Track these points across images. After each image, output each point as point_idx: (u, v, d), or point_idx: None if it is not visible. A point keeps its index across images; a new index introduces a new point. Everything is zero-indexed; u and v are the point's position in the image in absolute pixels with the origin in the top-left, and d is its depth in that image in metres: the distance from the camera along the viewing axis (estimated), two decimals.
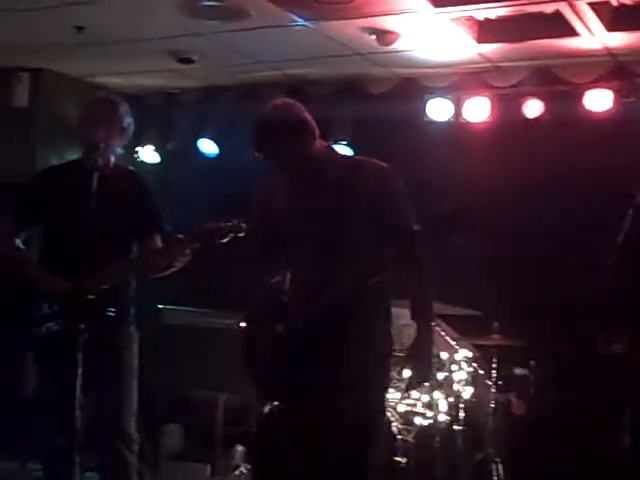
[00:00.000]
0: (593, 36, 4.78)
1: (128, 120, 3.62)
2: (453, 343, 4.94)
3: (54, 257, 3.55)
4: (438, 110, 5.66)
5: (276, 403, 3.01)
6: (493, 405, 4.96)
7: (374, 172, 3.07)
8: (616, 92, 5.25)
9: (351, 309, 2.91)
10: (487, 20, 4.80)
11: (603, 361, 5.20)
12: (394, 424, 4.55)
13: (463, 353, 4.92)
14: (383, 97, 5.81)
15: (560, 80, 5.36)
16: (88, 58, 5.65)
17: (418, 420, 4.67)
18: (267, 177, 3.17)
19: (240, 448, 5.29)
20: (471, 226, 2.78)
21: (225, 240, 3.40)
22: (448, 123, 5.69)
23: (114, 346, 3.53)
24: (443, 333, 4.93)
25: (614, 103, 5.25)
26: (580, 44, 4.89)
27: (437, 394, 4.75)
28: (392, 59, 5.39)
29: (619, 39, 4.82)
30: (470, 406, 4.87)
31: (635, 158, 4.82)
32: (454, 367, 4.86)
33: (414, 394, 4.70)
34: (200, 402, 5.50)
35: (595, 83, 5.26)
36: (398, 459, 4.50)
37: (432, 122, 5.70)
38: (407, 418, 4.65)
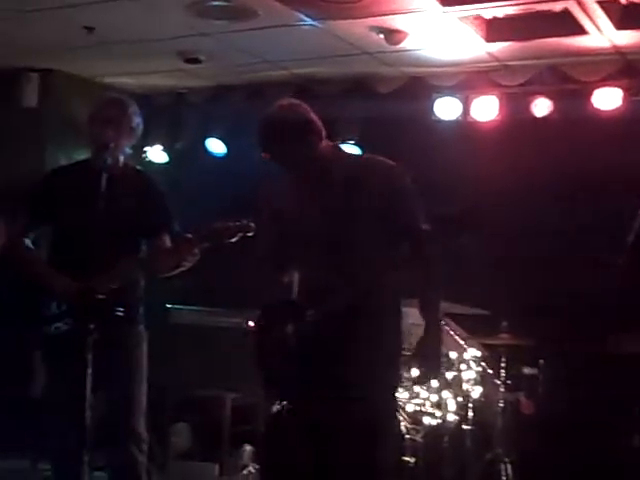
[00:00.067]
0: (602, 34, 4.76)
1: (137, 120, 3.63)
2: (462, 342, 4.93)
3: (63, 257, 3.56)
4: (446, 109, 5.65)
5: (285, 403, 3.01)
6: (502, 405, 4.95)
7: (382, 170, 3.07)
8: (625, 90, 5.23)
9: (361, 308, 2.91)
10: (495, 19, 4.79)
11: (612, 360, 5.18)
12: (403, 424, 4.55)
13: (472, 352, 4.91)
14: (391, 96, 5.80)
15: (569, 79, 5.34)
16: (97, 58, 5.66)
17: (427, 420, 4.66)
18: (275, 177, 3.17)
19: (248, 447, 5.29)
20: (479, 226, 2.78)
21: (234, 240, 3.41)
22: (456, 122, 5.68)
23: (123, 346, 3.53)
24: (452, 332, 4.92)
25: (623, 101, 5.23)
26: (589, 42, 4.88)
27: (446, 394, 4.75)
28: (400, 58, 5.39)
29: (628, 37, 4.80)
30: (479, 406, 4.86)
31: None
32: (463, 366, 4.85)
33: (423, 394, 4.70)
34: (208, 401, 5.51)
35: (604, 81, 5.25)
36: (407, 459, 4.50)
37: (440, 121, 5.69)
38: (416, 418, 4.65)
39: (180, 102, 6.43)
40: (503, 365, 4.95)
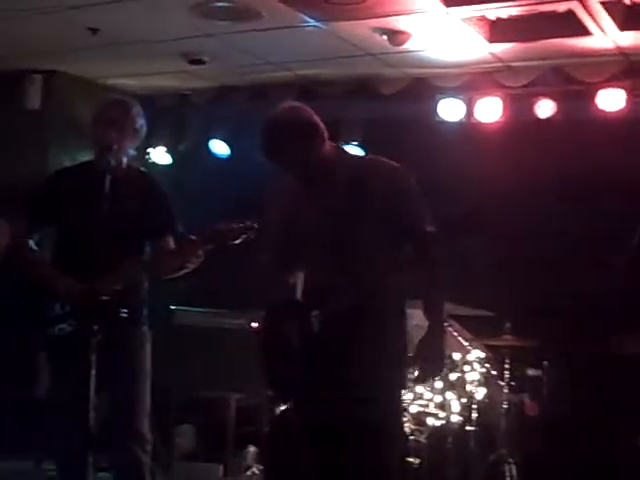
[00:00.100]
0: (605, 35, 4.76)
1: (141, 122, 3.64)
2: (466, 344, 4.92)
3: (67, 258, 3.56)
4: (450, 110, 5.65)
5: (290, 403, 3.01)
6: (506, 406, 4.94)
7: (385, 172, 3.07)
8: (629, 91, 5.22)
9: (364, 309, 2.91)
10: (499, 20, 4.78)
11: (616, 361, 5.17)
12: (406, 425, 4.54)
13: (476, 354, 4.90)
14: (394, 97, 5.80)
15: (572, 80, 5.34)
16: (100, 60, 5.67)
17: (431, 421, 4.66)
18: (279, 179, 3.17)
19: (252, 448, 5.29)
20: (483, 228, 2.78)
21: (237, 241, 3.41)
22: (460, 123, 5.67)
23: (127, 347, 3.54)
24: (456, 334, 4.92)
25: (627, 102, 5.22)
26: (592, 43, 4.87)
27: (450, 395, 4.74)
28: (403, 59, 5.39)
29: (632, 38, 4.79)
30: (483, 407, 4.85)
31: None
32: (467, 368, 4.85)
33: (426, 395, 4.69)
34: (212, 402, 5.51)
35: (608, 82, 5.24)
36: (411, 460, 4.49)
37: (444, 122, 5.69)
38: (419, 419, 4.64)
39: (183, 103, 6.43)
40: (507, 366, 4.95)
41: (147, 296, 3.69)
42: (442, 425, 4.70)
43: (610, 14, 4.48)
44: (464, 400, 4.80)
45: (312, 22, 4.81)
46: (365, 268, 2.90)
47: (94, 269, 3.33)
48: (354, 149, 5.55)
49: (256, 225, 3.38)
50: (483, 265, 5.18)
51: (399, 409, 3.25)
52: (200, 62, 5.59)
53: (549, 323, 5.17)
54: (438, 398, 4.73)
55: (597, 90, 5.26)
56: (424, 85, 5.74)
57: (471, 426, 4.81)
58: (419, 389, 4.67)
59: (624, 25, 4.62)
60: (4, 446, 5.04)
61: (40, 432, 3.86)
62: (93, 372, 3.23)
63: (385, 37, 4.94)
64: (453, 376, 4.79)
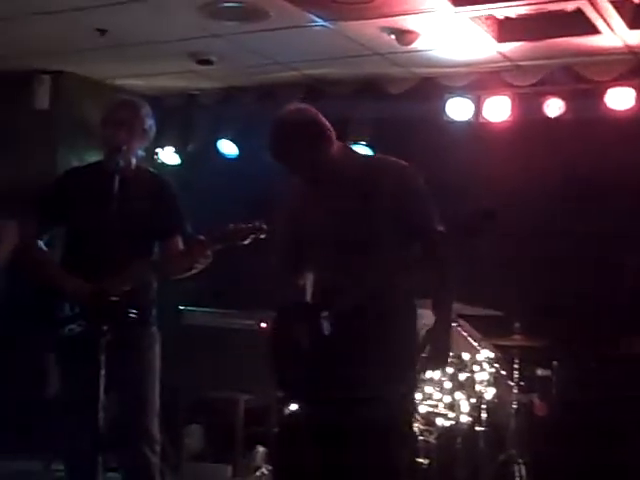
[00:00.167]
0: (614, 34, 4.74)
1: (149, 122, 3.64)
2: (475, 344, 4.91)
3: (76, 258, 3.56)
4: (458, 110, 5.64)
5: (300, 404, 3.01)
6: (515, 406, 4.92)
7: (394, 171, 3.06)
8: (638, 90, 5.20)
9: (374, 309, 2.91)
10: (507, 19, 4.77)
11: (625, 361, 5.16)
12: (416, 425, 4.53)
13: (485, 354, 4.89)
14: (403, 97, 5.80)
15: (581, 78, 5.32)
16: (108, 60, 5.68)
17: (440, 421, 4.64)
18: (287, 179, 3.17)
19: (261, 449, 5.29)
20: (492, 227, 2.77)
21: (246, 242, 3.41)
22: (468, 123, 5.66)
23: (136, 347, 3.54)
24: (465, 334, 4.91)
25: (636, 101, 5.21)
26: (601, 42, 4.86)
27: (459, 395, 4.73)
28: (411, 59, 5.38)
29: None
30: (492, 407, 4.84)
31: None
32: (476, 368, 4.83)
33: (436, 395, 4.68)
34: (221, 403, 5.51)
35: (617, 81, 5.23)
36: (420, 460, 4.49)
37: (452, 122, 5.68)
38: (429, 419, 4.63)
39: (191, 104, 6.44)
40: (516, 366, 4.93)
41: (156, 296, 3.69)
42: (451, 425, 4.68)
43: (619, 13, 4.46)
44: (473, 400, 4.78)
45: (320, 22, 4.81)
46: (374, 268, 2.89)
47: (103, 269, 3.33)
48: (362, 149, 5.53)
49: (265, 226, 3.38)
50: (492, 265, 5.17)
51: (409, 409, 3.24)
52: (208, 62, 5.60)
53: (558, 323, 5.16)
54: (447, 398, 4.71)
55: (606, 89, 5.25)
56: (432, 84, 5.73)
57: (480, 426, 4.79)
58: (428, 389, 4.67)
59: (633, 24, 4.60)
60: (13, 446, 5.05)
61: (49, 432, 3.87)
62: (102, 372, 3.23)
63: (393, 36, 4.94)
64: (462, 376, 4.77)
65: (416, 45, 5.03)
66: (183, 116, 6.45)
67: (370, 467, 2.89)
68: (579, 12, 4.50)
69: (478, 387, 4.81)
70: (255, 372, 4.96)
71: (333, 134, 3.06)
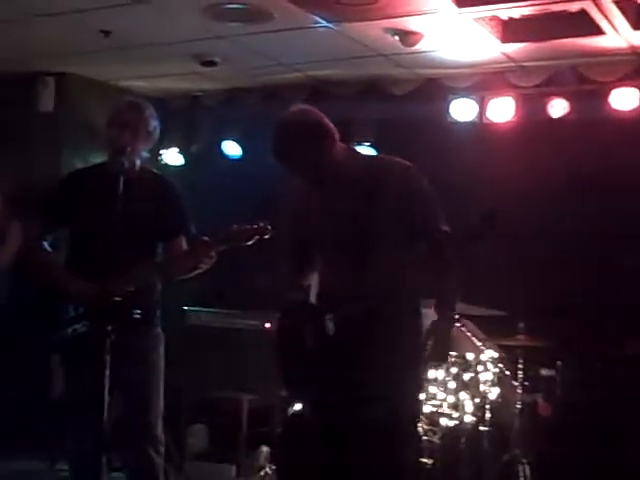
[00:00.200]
0: (619, 35, 4.74)
1: (154, 124, 3.65)
2: (479, 344, 4.91)
3: (81, 260, 3.57)
4: (462, 110, 5.64)
5: (305, 404, 3.01)
6: (519, 406, 4.92)
7: (398, 171, 3.06)
8: None
9: (380, 310, 2.91)
10: (511, 19, 4.77)
11: (630, 362, 5.15)
12: (420, 425, 4.53)
13: (489, 354, 4.89)
14: (406, 98, 5.80)
15: (585, 79, 5.32)
16: (112, 62, 5.69)
17: (444, 421, 4.65)
18: (292, 180, 3.18)
19: (265, 449, 5.30)
20: (493, 231, 2.78)
21: (250, 242, 3.41)
22: (472, 123, 5.66)
23: (140, 348, 3.55)
24: (469, 334, 4.91)
25: None
26: (605, 43, 4.85)
27: (463, 395, 4.73)
28: (415, 60, 5.38)
29: None
30: (496, 407, 4.84)
31: None
32: (480, 368, 4.83)
33: (440, 395, 4.68)
34: (225, 403, 5.52)
35: (621, 82, 5.22)
36: (424, 460, 4.49)
37: (456, 122, 5.68)
38: (433, 419, 4.63)
39: (195, 105, 6.45)
40: (520, 366, 4.93)
41: (160, 297, 3.70)
42: (455, 425, 4.69)
43: (623, 13, 4.46)
44: (477, 400, 4.79)
45: (324, 23, 4.81)
46: (378, 269, 2.90)
47: (107, 270, 3.34)
48: (366, 150, 5.54)
49: (269, 226, 3.38)
50: (495, 265, 5.17)
51: (415, 409, 3.23)
52: (212, 64, 5.60)
53: (562, 323, 5.15)
54: (451, 398, 4.71)
55: (610, 89, 5.24)
56: (436, 85, 5.73)
57: (484, 426, 4.79)
58: (432, 389, 4.67)
59: (637, 24, 4.60)
60: (18, 446, 5.07)
61: (53, 433, 3.88)
62: (107, 372, 3.24)
63: (397, 38, 4.94)
64: (466, 376, 4.77)
65: (420, 46, 5.03)
66: (187, 117, 6.46)
67: (375, 467, 2.89)
68: (583, 13, 4.49)
69: (482, 387, 4.81)
70: (259, 372, 4.98)
71: (337, 135, 3.06)
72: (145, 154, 3.69)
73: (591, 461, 4.94)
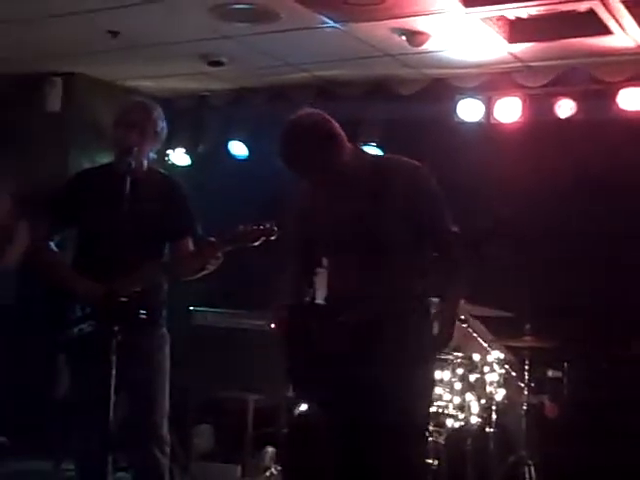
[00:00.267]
0: (626, 34, 4.72)
1: (161, 124, 3.65)
2: (485, 345, 4.90)
3: (87, 260, 3.58)
4: (469, 111, 5.63)
5: (313, 404, 3.01)
6: (525, 407, 4.91)
7: (407, 171, 3.06)
8: None
9: (389, 309, 2.91)
10: (518, 19, 4.76)
11: (637, 362, 5.13)
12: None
13: (495, 355, 4.88)
14: (413, 98, 5.79)
15: (593, 79, 5.30)
16: (120, 62, 5.70)
17: (450, 422, 4.64)
18: (299, 181, 3.17)
19: (270, 449, 5.30)
20: (509, 235, 2.79)
21: (257, 243, 3.41)
22: (479, 124, 5.66)
23: (146, 348, 3.55)
24: (475, 335, 4.90)
25: None
26: (613, 42, 4.84)
27: (469, 396, 4.73)
28: (422, 60, 5.38)
29: None
30: (502, 408, 4.83)
31: None
32: (486, 369, 4.83)
33: (446, 396, 4.68)
34: (230, 403, 5.52)
35: (629, 82, 5.20)
36: (429, 461, 4.48)
37: (463, 123, 5.67)
38: (438, 420, 4.63)
39: (202, 105, 6.46)
40: (527, 368, 4.92)
41: (166, 298, 3.70)
42: (461, 426, 4.68)
43: (631, 13, 4.44)
44: (483, 401, 4.78)
45: (330, 23, 4.81)
46: (387, 268, 2.90)
47: (114, 271, 3.34)
48: (373, 150, 5.53)
49: (275, 227, 3.38)
50: (502, 265, 5.16)
51: (424, 409, 3.21)
52: (219, 64, 5.61)
53: (569, 324, 5.14)
54: (457, 399, 4.71)
55: (618, 90, 5.23)
56: (443, 85, 5.73)
57: (490, 428, 4.79)
58: (438, 390, 4.66)
59: None
60: (23, 446, 5.08)
61: (59, 432, 3.88)
62: (113, 372, 3.24)
63: (404, 38, 4.93)
64: (473, 377, 4.77)
65: (427, 46, 5.02)
66: (194, 117, 6.47)
67: (384, 467, 2.89)
68: (591, 12, 4.48)
69: (488, 388, 4.81)
70: (265, 372, 4.98)
71: (345, 140, 3.05)
72: (152, 154, 3.69)
73: (598, 462, 4.93)
